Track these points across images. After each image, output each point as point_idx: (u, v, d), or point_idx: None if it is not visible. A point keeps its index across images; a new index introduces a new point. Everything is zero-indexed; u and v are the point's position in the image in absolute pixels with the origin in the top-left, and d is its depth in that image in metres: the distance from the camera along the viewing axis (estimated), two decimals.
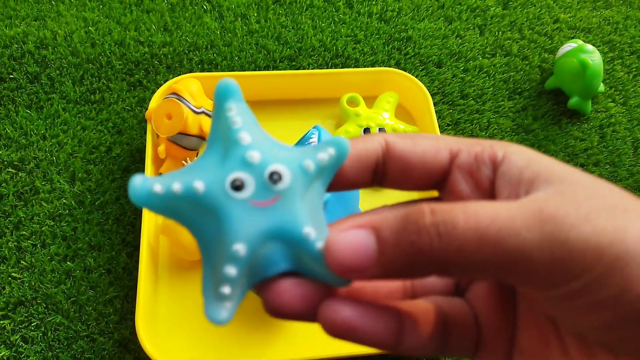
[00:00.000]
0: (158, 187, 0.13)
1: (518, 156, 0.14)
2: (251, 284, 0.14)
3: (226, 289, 0.13)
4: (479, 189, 0.14)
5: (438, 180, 0.15)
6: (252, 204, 0.13)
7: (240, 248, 0.13)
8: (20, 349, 0.35)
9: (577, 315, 0.12)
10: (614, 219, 0.12)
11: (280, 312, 0.13)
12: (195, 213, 0.13)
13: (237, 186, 0.13)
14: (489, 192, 0.14)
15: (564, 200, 0.12)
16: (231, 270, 0.13)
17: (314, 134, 0.38)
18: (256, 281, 0.14)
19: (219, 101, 0.14)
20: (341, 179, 0.15)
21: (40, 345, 0.35)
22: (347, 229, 0.13)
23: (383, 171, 0.15)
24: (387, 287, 0.16)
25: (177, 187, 0.13)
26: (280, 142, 0.15)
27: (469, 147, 0.15)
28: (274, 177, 0.13)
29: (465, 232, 0.11)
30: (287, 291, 0.13)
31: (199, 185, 0.13)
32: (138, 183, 0.13)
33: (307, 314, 0.13)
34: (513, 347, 0.15)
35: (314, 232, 0.13)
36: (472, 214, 0.12)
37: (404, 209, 0.13)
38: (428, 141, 0.15)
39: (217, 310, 0.13)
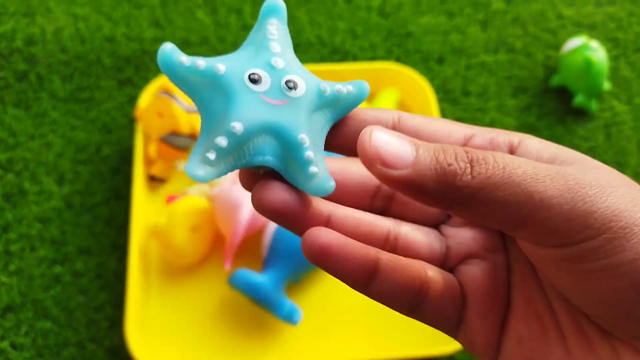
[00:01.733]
0: (184, 58, 0.14)
1: (535, 141, 0.15)
2: (236, 166, 0.14)
3: (212, 155, 0.13)
4: None
5: None
6: (263, 98, 0.14)
7: (237, 125, 0.13)
8: (10, 356, 0.34)
9: (589, 282, 0.12)
10: (633, 193, 0.12)
11: (265, 206, 0.14)
12: (208, 90, 0.14)
13: (254, 79, 0.14)
14: None
15: (586, 173, 0.13)
16: (223, 141, 0.13)
17: None
18: (240, 165, 0.14)
19: (263, 15, 0.15)
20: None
21: (30, 352, 0.34)
22: (387, 129, 0.13)
23: None
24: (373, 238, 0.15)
25: (201, 62, 0.14)
26: (307, 70, 0.15)
27: (483, 132, 0.15)
28: (290, 84, 0.14)
29: (495, 168, 0.12)
30: (278, 191, 0.14)
31: (221, 67, 0.14)
32: (168, 49, 0.14)
33: (290, 218, 0.14)
34: (504, 334, 0.14)
35: (309, 141, 0.14)
36: (502, 157, 0.12)
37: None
38: (440, 122, 0.15)
39: (197, 167, 0.13)
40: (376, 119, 0.15)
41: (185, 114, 0.38)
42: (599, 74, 0.45)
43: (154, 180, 0.39)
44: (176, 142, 0.38)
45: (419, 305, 0.14)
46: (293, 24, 0.49)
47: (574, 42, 0.47)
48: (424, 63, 0.48)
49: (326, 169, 0.14)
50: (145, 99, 0.40)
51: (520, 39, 0.51)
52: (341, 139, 0.15)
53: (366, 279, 0.14)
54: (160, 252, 0.37)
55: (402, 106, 0.45)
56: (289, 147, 0.14)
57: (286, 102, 0.14)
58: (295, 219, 0.14)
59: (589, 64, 0.44)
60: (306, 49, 0.47)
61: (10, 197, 0.39)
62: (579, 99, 0.46)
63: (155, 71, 0.45)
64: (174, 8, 0.48)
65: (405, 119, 0.15)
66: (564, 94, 0.48)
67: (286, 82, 0.14)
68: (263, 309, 0.34)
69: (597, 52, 0.45)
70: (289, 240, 0.33)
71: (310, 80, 0.15)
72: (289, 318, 0.33)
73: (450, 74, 0.48)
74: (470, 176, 0.12)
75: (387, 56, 0.48)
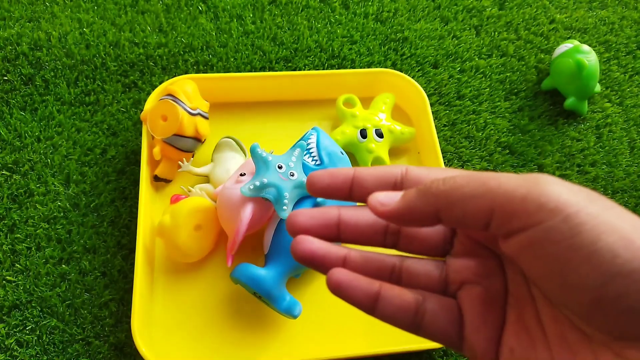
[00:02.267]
0: (259, 150, 0.35)
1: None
2: (258, 195, 0.34)
3: (251, 186, 0.34)
4: None
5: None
6: (280, 176, 0.35)
7: (264, 180, 0.34)
8: (15, 353, 0.34)
9: (560, 268, 0.14)
10: (589, 192, 0.14)
11: (298, 254, 0.18)
12: (262, 164, 0.35)
13: (279, 166, 0.35)
14: None
15: None
16: (257, 183, 0.34)
17: (312, 134, 0.38)
18: (259, 195, 0.34)
19: (295, 145, 0.37)
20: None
21: (35, 349, 0.35)
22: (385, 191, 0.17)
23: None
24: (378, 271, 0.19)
25: (265, 154, 0.35)
26: (302, 170, 0.36)
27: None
28: (292, 174, 0.35)
29: (460, 179, 0.16)
30: (308, 244, 0.18)
31: (270, 158, 0.35)
32: (256, 145, 0.35)
33: (316, 263, 0.18)
34: (500, 347, 0.17)
35: (288, 197, 0.34)
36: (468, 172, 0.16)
37: None
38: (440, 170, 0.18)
39: (245, 190, 0.34)
40: (386, 176, 0.18)
41: (188, 116, 0.39)
42: (590, 76, 0.46)
43: (158, 181, 0.40)
44: (180, 144, 0.39)
45: (420, 324, 0.17)
46: (293, 29, 0.50)
47: (566, 46, 0.48)
48: (420, 67, 0.49)
49: (290, 210, 0.34)
50: (150, 102, 0.41)
51: (513, 43, 0.52)
52: (360, 192, 0.19)
53: (371, 305, 0.17)
54: (164, 251, 0.38)
55: (398, 109, 0.46)
56: (279, 196, 0.34)
57: (287, 180, 0.34)
58: (319, 264, 0.18)
59: (580, 67, 0.45)
60: (305, 54, 0.48)
61: (17, 197, 0.40)
62: (569, 102, 0.47)
63: (159, 75, 0.46)
64: (177, 14, 0.49)
65: (410, 171, 0.18)
66: (556, 96, 0.49)
67: (290, 173, 0.35)
68: (264, 302, 0.35)
69: (589, 55, 0.47)
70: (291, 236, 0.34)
71: (302, 174, 0.35)
72: (289, 311, 0.34)
73: (445, 77, 0.49)
74: (441, 185, 0.16)
75: (384, 61, 0.49)
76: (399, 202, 0.16)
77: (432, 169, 0.18)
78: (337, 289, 0.17)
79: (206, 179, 0.41)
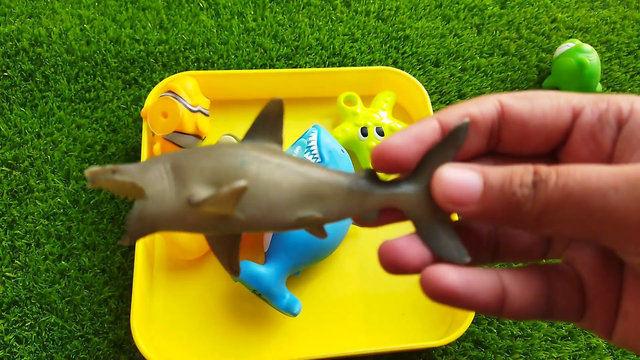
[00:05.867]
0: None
1: None
2: None
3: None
4: (599, 153, 0.14)
5: (558, 143, 0.15)
6: None
7: None
8: (14, 349, 0.34)
9: None
10: None
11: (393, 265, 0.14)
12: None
13: None
14: (610, 156, 0.14)
15: None
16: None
17: (313, 132, 0.38)
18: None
19: (296, 143, 0.36)
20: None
21: (34, 346, 0.35)
22: (459, 165, 0.14)
23: (498, 136, 0.15)
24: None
25: None
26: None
27: (592, 105, 0.14)
28: None
29: (554, 190, 0.12)
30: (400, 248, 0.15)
31: None
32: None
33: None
34: (618, 312, 0.14)
35: None
36: (564, 175, 0.12)
37: (510, 166, 0.13)
38: (548, 100, 0.15)
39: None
40: (482, 117, 0.15)
41: (189, 113, 0.39)
42: (592, 76, 0.46)
43: None
44: (180, 141, 0.39)
45: (551, 310, 0.14)
46: (294, 27, 0.50)
47: (567, 45, 0.48)
48: (421, 65, 0.49)
49: None
50: (151, 99, 0.41)
51: (515, 42, 0.52)
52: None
53: (497, 308, 0.14)
54: (165, 248, 0.38)
55: (399, 107, 0.46)
56: None
57: None
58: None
59: (582, 66, 0.45)
60: (306, 52, 0.48)
61: (17, 194, 0.40)
62: None
63: (160, 72, 0.46)
64: (177, 11, 0.49)
65: (508, 108, 0.14)
66: None
67: None
68: (264, 300, 0.35)
69: (590, 55, 0.47)
70: (291, 233, 0.34)
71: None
72: (289, 309, 0.34)
73: (446, 76, 0.49)
74: (533, 202, 0.12)
75: (385, 59, 0.49)
76: (481, 205, 0.13)
77: (534, 103, 0.14)
78: (450, 299, 0.13)
79: None
